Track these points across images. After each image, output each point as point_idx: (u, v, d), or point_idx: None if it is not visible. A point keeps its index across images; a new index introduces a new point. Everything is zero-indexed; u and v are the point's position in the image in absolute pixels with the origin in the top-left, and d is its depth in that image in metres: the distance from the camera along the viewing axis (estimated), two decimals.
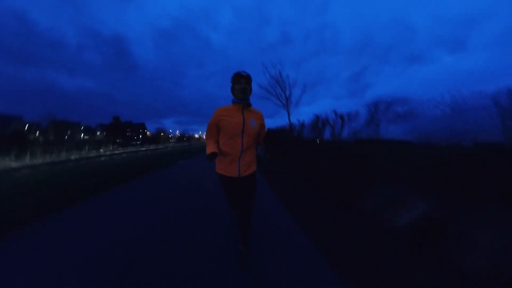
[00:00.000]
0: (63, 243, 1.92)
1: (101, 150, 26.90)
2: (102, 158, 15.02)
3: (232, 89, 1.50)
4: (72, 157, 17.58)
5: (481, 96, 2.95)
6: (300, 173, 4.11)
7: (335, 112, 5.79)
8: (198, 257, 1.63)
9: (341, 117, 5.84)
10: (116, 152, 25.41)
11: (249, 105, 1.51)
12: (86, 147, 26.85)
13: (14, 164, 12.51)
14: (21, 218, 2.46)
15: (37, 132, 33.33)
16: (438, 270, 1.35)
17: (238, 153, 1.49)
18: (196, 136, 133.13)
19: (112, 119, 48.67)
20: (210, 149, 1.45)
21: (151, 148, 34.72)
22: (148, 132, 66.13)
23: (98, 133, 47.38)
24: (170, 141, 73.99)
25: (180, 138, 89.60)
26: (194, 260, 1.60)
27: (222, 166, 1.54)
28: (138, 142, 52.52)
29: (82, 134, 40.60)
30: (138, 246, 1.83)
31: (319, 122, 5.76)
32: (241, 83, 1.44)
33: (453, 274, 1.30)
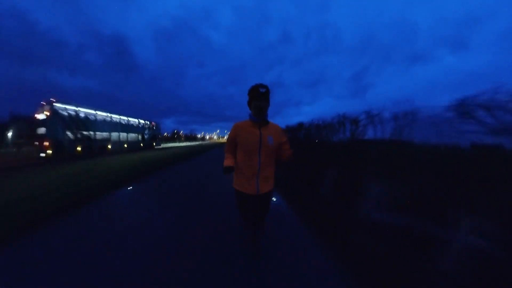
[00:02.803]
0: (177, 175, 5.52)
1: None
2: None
3: (249, 103, 1.46)
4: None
5: None
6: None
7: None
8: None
9: None
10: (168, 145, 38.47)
11: (266, 122, 1.48)
12: None
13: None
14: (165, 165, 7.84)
15: None
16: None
17: (256, 170, 1.46)
18: (199, 136, 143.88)
19: None
20: (226, 162, 1.46)
21: (182, 144, 47.47)
22: None
23: None
24: (183, 140, 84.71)
25: (188, 137, 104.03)
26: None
27: (239, 182, 1.52)
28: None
29: None
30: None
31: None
32: (258, 99, 1.39)
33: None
